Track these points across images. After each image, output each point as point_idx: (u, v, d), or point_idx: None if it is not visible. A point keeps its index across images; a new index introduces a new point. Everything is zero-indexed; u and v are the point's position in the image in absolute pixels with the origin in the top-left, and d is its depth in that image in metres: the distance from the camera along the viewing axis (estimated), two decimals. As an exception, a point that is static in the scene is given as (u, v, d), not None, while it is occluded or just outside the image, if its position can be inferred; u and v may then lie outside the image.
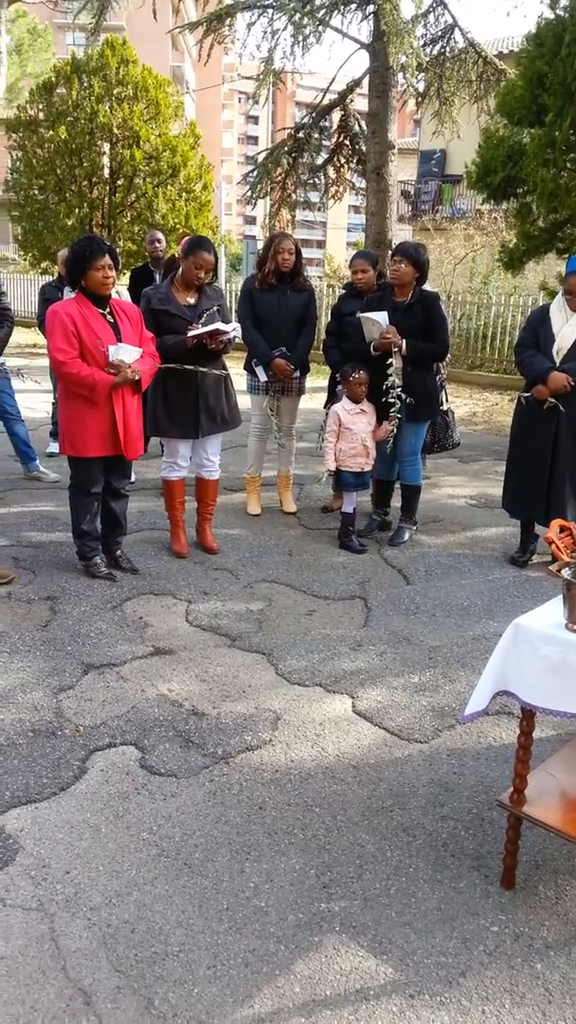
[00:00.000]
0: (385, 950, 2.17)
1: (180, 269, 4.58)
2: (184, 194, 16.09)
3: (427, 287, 5.01)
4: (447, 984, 2.07)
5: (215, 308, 4.58)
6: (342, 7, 9.90)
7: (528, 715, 2.25)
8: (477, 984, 2.08)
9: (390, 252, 6.23)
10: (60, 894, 2.30)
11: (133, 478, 5.30)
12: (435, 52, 11.06)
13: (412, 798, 2.78)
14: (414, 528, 5.33)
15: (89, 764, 2.88)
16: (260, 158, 12.26)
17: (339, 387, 5.31)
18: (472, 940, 2.21)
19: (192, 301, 4.58)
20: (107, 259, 4.09)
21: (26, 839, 2.50)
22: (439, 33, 11.08)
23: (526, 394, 4.67)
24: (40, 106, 16.09)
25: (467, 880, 2.42)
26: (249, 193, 12.34)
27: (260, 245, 17.16)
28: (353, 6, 9.95)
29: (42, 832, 2.54)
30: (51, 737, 3.02)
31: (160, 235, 7.07)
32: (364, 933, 2.22)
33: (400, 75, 10.06)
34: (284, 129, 12.85)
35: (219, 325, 4.41)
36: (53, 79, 16.17)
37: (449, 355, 5.49)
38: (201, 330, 4.38)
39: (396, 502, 5.47)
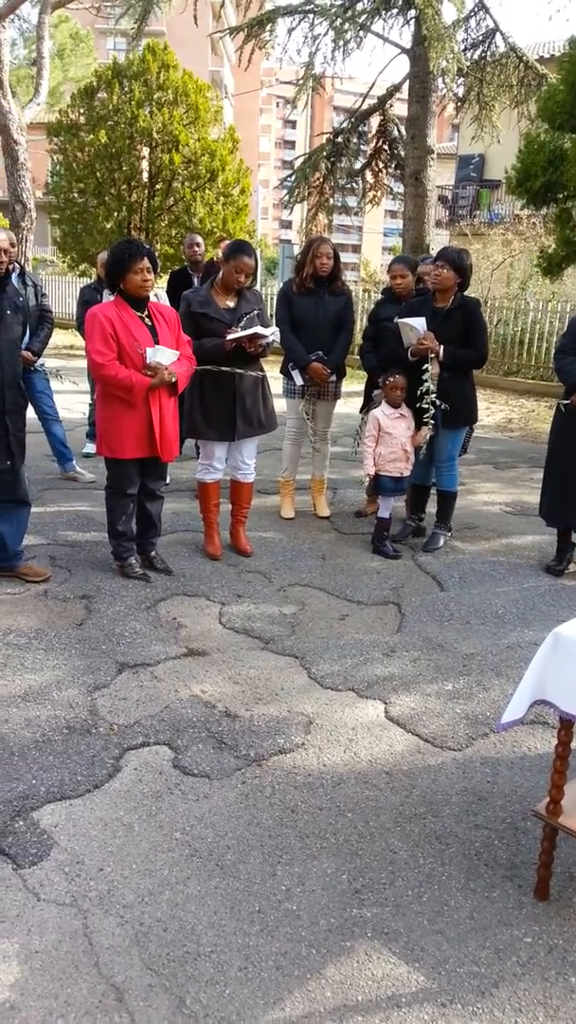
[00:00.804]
0: (417, 957, 2.16)
1: (220, 273, 4.60)
2: (222, 198, 16.17)
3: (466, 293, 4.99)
4: (480, 994, 2.06)
5: (255, 312, 4.60)
6: (383, 12, 9.89)
7: (567, 725, 2.23)
8: (510, 995, 2.06)
9: (422, 256, 6.20)
10: (93, 891, 2.32)
11: (168, 480, 5.33)
12: (476, 56, 11.01)
13: (445, 806, 2.76)
14: (449, 534, 5.30)
15: (123, 763, 2.90)
16: (298, 163, 12.28)
17: (376, 392, 5.31)
18: (505, 951, 2.19)
19: (232, 305, 4.60)
20: (146, 262, 4.13)
21: (60, 835, 2.53)
22: (480, 37, 11.04)
23: (565, 401, 4.62)
24: (81, 110, 16.27)
25: (500, 890, 2.40)
26: (286, 197, 12.38)
27: (296, 249, 17.14)
28: (394, 11, 9.94)
29: (76, 828, 2.56)
30: (85, 735, 3.04)
31: (199, 239, 7.10)
32: (396, 940, 2.21)
33: (440, 80, 10.02)
34: (322, 134, 12.87)
35: (258, 329, 4.43)
36: (94, 84, 16.35)
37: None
38: (240, 334, 4.40)
39: (431, 508, 5.44)
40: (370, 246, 62.53)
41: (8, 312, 3.95)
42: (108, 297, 6.57)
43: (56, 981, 2.04)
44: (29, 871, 2.38)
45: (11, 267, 4.19)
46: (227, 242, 4.75)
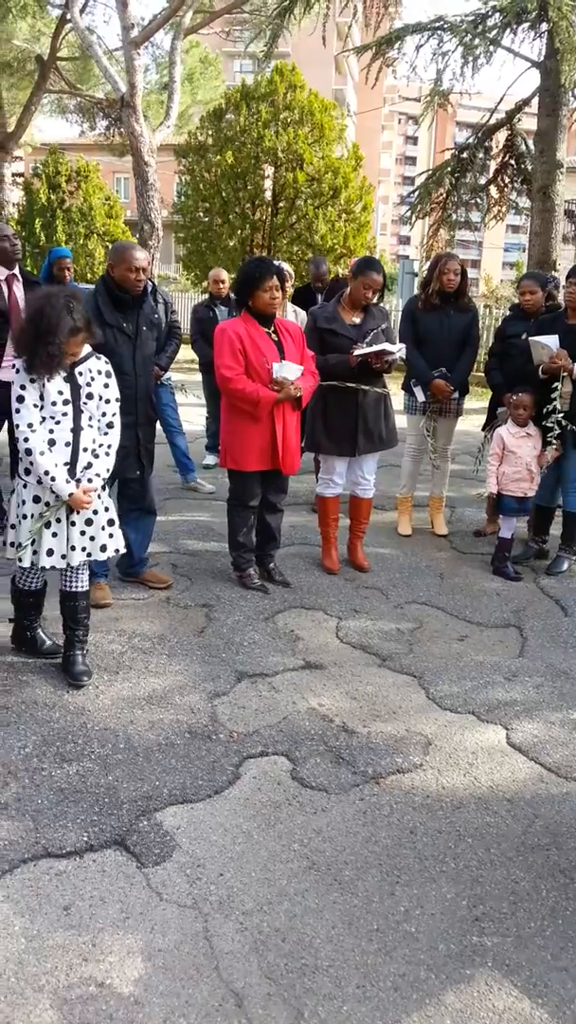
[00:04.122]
0: (540, 993, 2.10)
1: (347, 289, 4.64)
2: (344, 215, 16.31)
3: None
4: (608, 1038, 1.98)
5: (380, 328, 4.61)
6: (514, 26, 9.75)
7: None
8: None
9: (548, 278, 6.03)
10: (214, 895, 2.36)
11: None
12: (611, 68, 10.68)
13: (570, 838, 2.67)
14: (574, 558, 5.13)
15: (242, 770, 2.94)
16: (421, 179, 12.23)
17: (500, 409, 5.22)
18: None
19: (358, 321, 4.62)
20: (275, 280, 4.20)
21: (182, 837, 2.59)
22: (616, 48, 10.69)
23: None
24: (209, 132, 16.78)
25: (629, 931, 2.30)
26: (408, 213, 12.34)
27: (416, 265, 16.93)
28: (526, 25, 9.78)
29: (197, 832, 2.61)
30: (207, 740, 3.10)
31: (326, 264, 7.23)
32: (518, 973, 2.16)
33: (572, 92, 9.79)
34: (446, 150, 12.78)
35: (386, 345, 4.44)
36: (223, 106, 16.83)
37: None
38: (367, 350, 4.42)
39: (555, 530, 5.30)
40: (491, 261, 61.62)
41: (144, 328, 4.10)
42: (220, 313, 6.78)
43: (178, 981, 2.08)
44: (152, 871, 2.45)
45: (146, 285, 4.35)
46: (356, 259, 4.78)
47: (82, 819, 2.63)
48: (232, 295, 7.04)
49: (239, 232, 16.29)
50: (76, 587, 3.49)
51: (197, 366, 7.39)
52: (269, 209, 16.54)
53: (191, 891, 2.37)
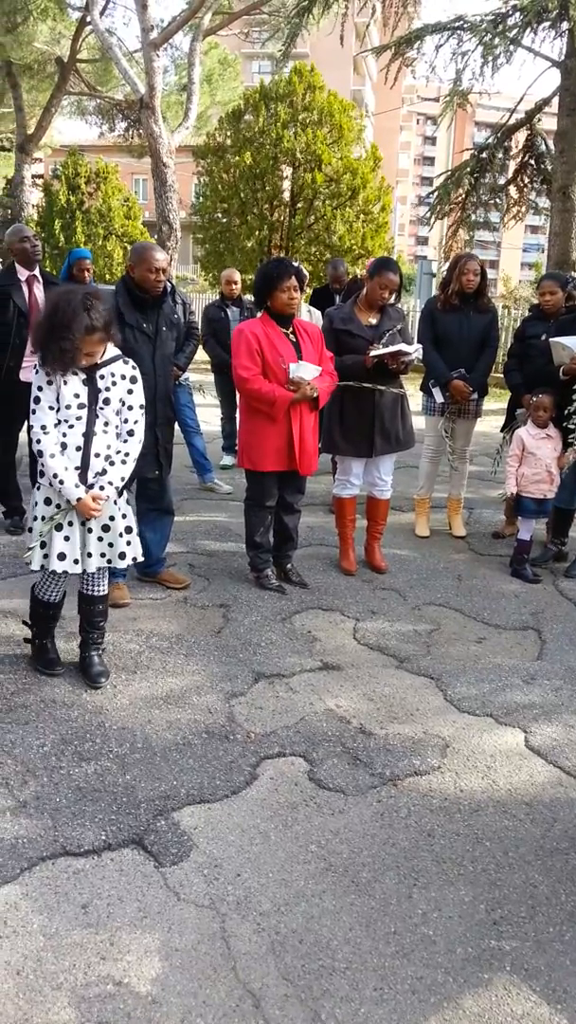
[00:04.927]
0: (559, 999, 2.08)
1: (364, 289, 4.63)
2: (362, 216, 16.30)
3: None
4: (628, 1045, 1.96)
5: (396, 329, 4.60)
6: (535, 25, 9.71)
7: None
8: None
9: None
10: (231, 895, 2.36)
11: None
12: (632, 67, 10.60)
13: (589, 843, 2.65)
14: (593, 560, 5.10)
15: (259, 771, 2.94)
16: (440, 179, 12.20)
17: (519, 410, 5.19)
18: None
19: (374, 321, 4.62)
20: (293, 281, 4.20)
21: (199, 837, 2.59)
22: None
23: None
24: (228, 133, 16.82)
25: None
26: (427, 214, 12.32)
27: (434, 266, 16.88)
28: (547, 24, 9.74)
29: (215, 832, 2.61)
30: (224, 740, 3.11)
31: (344, 265, 7.24)
32: (536, 977, 2.14)
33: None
34: (465, 150, 12.75)
35: (402, 346, 4.43)
36: (241, 107, 16.87)
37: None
38: (383, 350, 4.41)
39: (575, 532, 5.26)
40: (509, 262, 61.35)
41: (163, 328, 4.11)
42: (232, 314, 6.80)
43: (195, 981, 2.08)
44: (170, 870, 2.45)
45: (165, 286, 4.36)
46: (372, 260, 4.78)
47: (100, 818, 2.63)
48: (243, 296, 7.09)
49: (257, 233, 16.31)
50: (94, 591, 3.48)
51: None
52: (287, 210, 16.56)
53: (208, 891, 2.37)
